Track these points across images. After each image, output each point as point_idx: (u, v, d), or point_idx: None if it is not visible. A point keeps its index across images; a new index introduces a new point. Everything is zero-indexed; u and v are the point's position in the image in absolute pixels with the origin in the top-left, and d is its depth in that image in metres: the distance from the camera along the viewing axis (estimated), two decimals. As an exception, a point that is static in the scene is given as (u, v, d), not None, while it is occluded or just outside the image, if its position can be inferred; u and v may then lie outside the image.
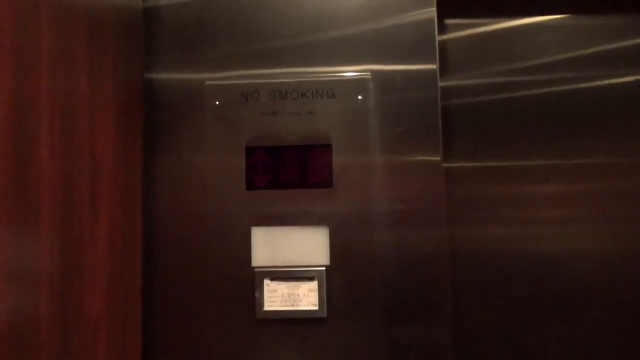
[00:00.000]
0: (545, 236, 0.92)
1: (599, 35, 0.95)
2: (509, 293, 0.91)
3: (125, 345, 0.76)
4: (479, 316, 0.91)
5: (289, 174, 0.84)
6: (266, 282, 0.82)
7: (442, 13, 0.88)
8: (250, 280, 0.82)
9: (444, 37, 0.94)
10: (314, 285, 0.81)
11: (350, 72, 0.84)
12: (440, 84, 0.84)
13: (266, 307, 0.82)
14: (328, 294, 0.81)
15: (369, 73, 0.84)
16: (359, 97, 0.83)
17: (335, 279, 0.82)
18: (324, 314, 0.81)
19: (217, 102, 0.84)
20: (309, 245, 0.83)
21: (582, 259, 0.91)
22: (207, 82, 0.85)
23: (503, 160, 0.93)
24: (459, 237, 0.91)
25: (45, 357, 0.57)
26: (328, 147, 0.83)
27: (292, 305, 0.81)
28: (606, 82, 0.94)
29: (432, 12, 0.84)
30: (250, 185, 0.83)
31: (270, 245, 0.83)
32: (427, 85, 0.84)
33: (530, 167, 0.93)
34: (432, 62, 0.84)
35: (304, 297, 0.81)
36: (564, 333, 0.91)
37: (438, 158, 0.83)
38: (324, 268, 0.82)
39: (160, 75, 0.86)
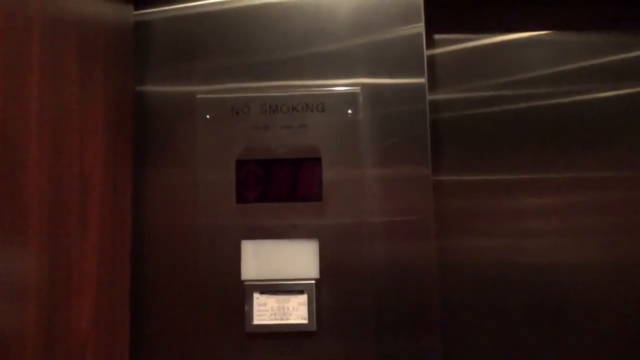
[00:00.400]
0: (533, 249, 0.93)
1: (584, 50, 0.97)
2: (498, 305, 0.92)
3: (112, 360, 0.75)
4: (468, 328, 0.92)
5: (279, 187, 0.84)
6: (256, 295, 0.82)
7: (431, 28, 0.90)
8: (240, 294, 0.82)
9: (433, 51, 0.96)
10: (303, 298, 0.81)
11: (340, 86, 0.85)
12: (429, 97, 0.85)
13: (255, 321, 0.81)
14: (318, 308, 0.81)
15: (358, 87, 0.85)
16: (349, 110, 0.84)
17: (325, 292, 0.82)
18: (314, 328, 0.81)
19: (208, 116, 0.85)
20: (299, 259, 0.83)
21: (570, 271, 0.92)
22: (198, 96, 0.85)
23: (491, 174, 0.95)
24: (448, 250, 0.91)
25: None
26: (318, 160, 0.83)
27: (282, 319, 0.81)
28: (591, 96, 0.96)
29: (420, 27, 0.85)
30: (241, 198, 0.83)
31: (260, 258, 0.83)
32: (416, 98, 0.85)
33: (518, 181, 0.94)
34: (421, 76, 0.85)
35: (294, 311, 0.81)
36: (553, 344, 0.91)
37: (427, 171, 0.83)
38: (313, 281, 0.81)
39: (152, 88, 0.86)
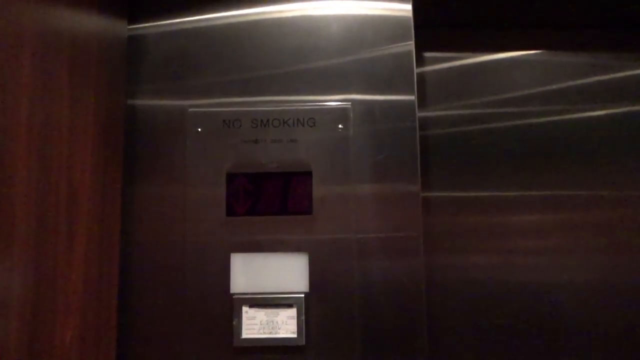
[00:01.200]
0: (522, 266, 0.93)
1: (571, 71, 0.98)
2: (485, 322, 0.92)
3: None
4: (455, 345, 0.92)
5: (270, 200, 0.84)
6: (245, 309, 0.81)
7: (421, 46, 0.91)
8: (229, 307, 0.81)
9: (423, 69, 0.97)
10: (292, 312, 0.81)
11: (331, 101, 0.86)
12: (419, 114, 0.86)
13: (244, 335, 0.81)
14: (307, 322, 0.81)
15: (349, 103, 0.86)
16: (340, 126, 0.85)
17: (314, 306, 0.82)
18: (303, 342, 0.80)
19: (199, 129, 0.85)
20: (289, 272, 0.83)
21: (558, 289, 0.93)
22: (190, 109, 0.86)
23: (480, 191, 0.95)
24: (437, 266, 0.92)
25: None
26: (308, 174, 0.84)
27: (271, 333, 0.81)
28: (579, 115, 0.97)
29: (410, 45, 0.87)
30: (231, 211, 0.84)
31: (249, 271, 0.83)
32: (405, 115, 0.86)
33: (506, 198, 0.95)
34: (411, 93, 0.86)
35: (283, 325, 0.81)
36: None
37: (416, 187, 0.84)
38: (303, 295, 0.81)
39: (143, 102, 0.86)
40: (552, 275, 0.93)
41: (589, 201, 0.95)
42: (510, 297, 0.92)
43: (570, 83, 0.98)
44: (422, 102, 0.95)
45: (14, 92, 0.56)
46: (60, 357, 0.65)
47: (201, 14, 0.88)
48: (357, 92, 0.86)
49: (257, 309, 0.81)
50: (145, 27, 0.88)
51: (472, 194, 0.95)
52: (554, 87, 0.98)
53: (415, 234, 0.83)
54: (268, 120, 0.85)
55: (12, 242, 0.56)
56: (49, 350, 0.63)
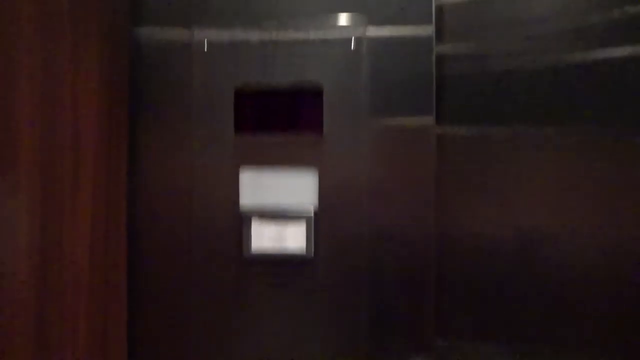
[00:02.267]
0: (532, 214, 0.88)
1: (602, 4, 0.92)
2: (494, 276, 0.87)
3: (109, 304, 0.76)
4: (462, 297, 0.87)
5: (279, 118, 0.84)
6: (254, 222, 0.82)
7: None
8: (238, 221, 0.82)
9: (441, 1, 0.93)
10: (302, 225, 0.81)
11: (344, 20, 0.84)
12: (436, 49, 0.85)
13: (254, 247, 0.81)
14: (316, 236, 0.81)
15: (364, 21, 0.84)
16: (353, 44, 0.84)
17: (323, 221, 0.82)
18: (311, 255, 0.80)
19: (206, 49, 0.84)
20: (299, 187, 0.83)
21: (575, 244, 0.87)
22: (195, 30, 0.85)
23: (498, 132, 0.90)
24: (448, 212, 0.87)
25: (27, 322, 0.56)
26: (319, 94, 0.83)
27: (280, 246, 0.81)
28: (608, 55, 0.92)
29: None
30: (240, 128, 0.83)
31: (259, 186, 0.83)
32: (422, 47, 0.85)
33: (527, 141, 0.90)
34: (428, 23, 0.85)
35: (291, 238, 0.81)
36: (548, 318, 0.87)
37: (431, 119, 0.83)
38: (312, 209, 0.82)
39: (148, 29, 0.85)
40: (569, 229, 0.87)
41: (616, 148, 0.89)
42: (523, 250, 0.87)
43: (603, 17, 0.91)
44: (440, 36, 0.92)
45: (14, 30, 0.56)
46: (71, 282, 0.65)
47: None
48: (372, 14, 0.84)
49: (266, 223, 0.82)
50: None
51: (490, 133, 0.91)
52: (582, 22, 0.92)
53: (427, 165, 0.83)
54: (278, 39, 0.84)
55: (18, 186, 0.57)
56: (59, 303, 0.63)
